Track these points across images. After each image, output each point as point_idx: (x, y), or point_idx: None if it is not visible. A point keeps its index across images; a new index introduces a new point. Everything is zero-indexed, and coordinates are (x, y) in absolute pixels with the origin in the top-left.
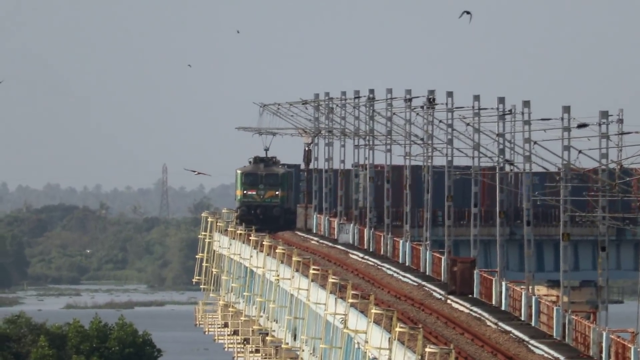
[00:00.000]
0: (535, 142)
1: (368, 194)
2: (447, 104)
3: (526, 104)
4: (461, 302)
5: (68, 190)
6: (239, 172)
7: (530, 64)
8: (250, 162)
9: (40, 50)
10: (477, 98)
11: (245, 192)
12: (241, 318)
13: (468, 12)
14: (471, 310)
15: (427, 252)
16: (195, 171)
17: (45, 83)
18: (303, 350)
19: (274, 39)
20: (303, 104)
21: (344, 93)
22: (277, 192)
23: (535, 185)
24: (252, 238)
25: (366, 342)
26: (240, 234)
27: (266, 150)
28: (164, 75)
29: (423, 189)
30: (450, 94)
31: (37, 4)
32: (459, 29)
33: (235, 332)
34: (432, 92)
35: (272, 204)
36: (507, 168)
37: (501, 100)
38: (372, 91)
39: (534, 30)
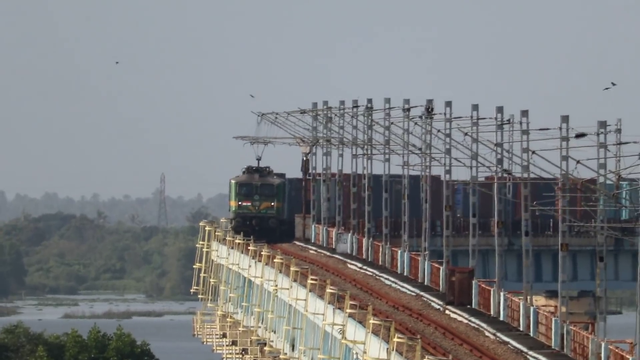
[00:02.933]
0: (533, 152)
1: (367, 204)
2: (445, 113)
3: (524, 113)
4: (459, 312)
5: (66, 199)
6: (233, 182)
7: (529, 73)
8: (243, 172)
9: (37, 58)
10: (475, 107)
11: (240, 203)
12: (239, 328)
13: (614, 84)
14: (470, 320)
15: (426, 262)
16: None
17: (44, 91)
18: None
19: (272, 48)
20: (301, 113)
21: (342, 102)
22: (272, 203)
23: (535, 195)
24: (250, 248)
25: (364, 352)
26: (239, 243)
27: (258, 159)
28: (162, 84)
29: (421, 199)
30: (448, 104)
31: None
32: (458, 38)
33: (234, 343)
34: (430, 101)
35: (268, 215)
36: (506, 178)
37: (499, 109)
38: (370, 101)
39: (532, 40)
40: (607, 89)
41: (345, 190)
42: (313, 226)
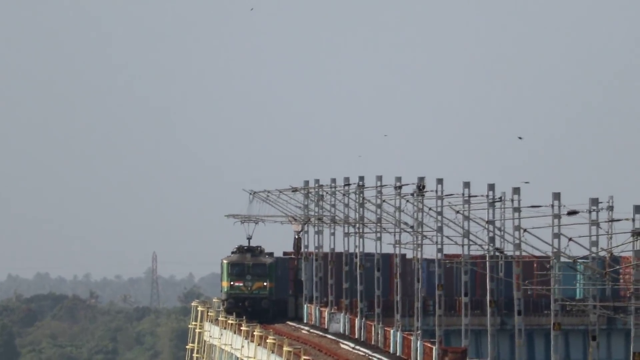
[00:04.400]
0: (525, 230)
1: (359, 283)
2: (436, 191)
3: (516, 190)
4: None
5: (58, 279)
6: (224, 262)
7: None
8: (233, 252)
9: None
10: (467, 185)
11: (232, 283)
12: None
13: (520, 138)
14: None
15: (418, 342)
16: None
17: (33, 169)
18: None
19: (264, 127)
20: (293, 191)
21: (333, 180)
22: (265, 283)
23: (527, 273)
24: (243, 328)
25: None
26: (232, 323)
27: (249, 238)
28: (153, 162)
29: (413, 278)
30: (440, 181)
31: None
32: (449, 116)
33: None
34: (421, 179)
35: (261, 295)
36: (498, 256)
37: (491, 187)
38: (362, 178)
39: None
40: (520, 138)
41: (337, 269)
42: (305, 306)
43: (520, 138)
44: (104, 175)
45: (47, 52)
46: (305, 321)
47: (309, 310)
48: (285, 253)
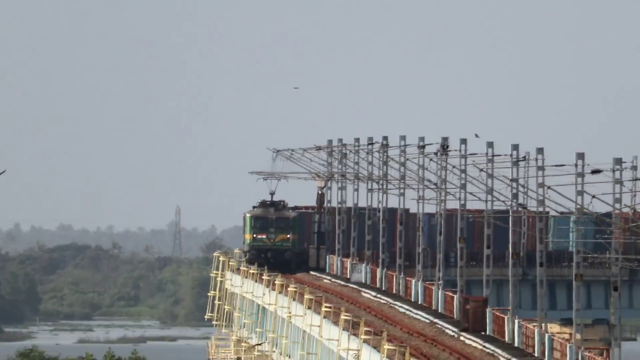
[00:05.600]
0: (548, 187)
1: (381, 236)
2: (460, 150)
3: (540, 150)
4: (474, 338)
5: (81, 231)
6: (248, 215)
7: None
8: (254, 207)
9: (50, 87)
10: (490, 145)
11: (255, 235)
12: (254, 353)
13: (477, 136)
14: (484, 346)
15: (440, 291)
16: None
17: (57, 123)
18: None
19: (289, 86)
20: (316, 149)
21: (357, 139)
22: (288, 236)
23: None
24: (264, 277)
25: None
26: (253, 273)
27: (272, 194)
28: (179, 118)
29: (436, 232)
30: (463, 141)
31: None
32: (474, 76)
33: None
34: (445, 139)
35: (284, 247)
36: (520, 211)
37: (515, 147)
38: (385, 138)
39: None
40: (476, 135)
41: (359, 223)
42: (327, 257)
43: (477, 136)
44: (129, 127)
45: None
46: (327, 271)
47: (331, 261)
48: (305, 208)
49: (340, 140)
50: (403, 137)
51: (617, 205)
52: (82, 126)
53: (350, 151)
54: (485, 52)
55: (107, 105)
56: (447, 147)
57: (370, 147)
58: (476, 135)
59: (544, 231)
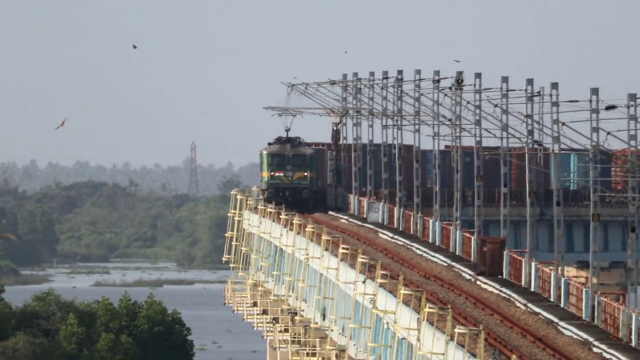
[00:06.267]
0: (563, 124)
1: (397, 174)
2: (475, 85)
3: (554, 85)
4: (490, 282)
5: (97, 168)
6: (264, 152)
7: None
8: (269, 144)
9: (68, 32)
10: (505, 79)
11: (272, 173)
12: (270, 297)
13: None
14: (500, 291)
15: (457, 232)
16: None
17: (75, 61)
18: (332, 330)
19: (303, 21)
20: (331, 84)
21: (372, 74)
22: (305, 174)
23: (565, 165)
24: (282, 217)
25: (395, 322)
26: (270, 212)
27: (287, 130)
28: (192, 55)
29: (452, 169)
30: (478, 75)
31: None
32: (489, 10)
33: (265, 312)
34: (460, 73)
35: (301, 185)
36: (536, 149)
37: (529, 81)
38: (400, 72)
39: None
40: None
41: (375, 160)
42: (344, 195)
43: (457, 61)
44: (143, 65)
45: None
46: (351, 212)
47: (349, 200)
48: (321, 144)
49: (355, 74)
50: (418, 72)
51: (633, 142)
52: (98, 63)
53: (365, 86)
54: None
55: (122, 43)
56: (462, 81)
57: (384, 81)
58: (456, 61)
59: (559, 170)
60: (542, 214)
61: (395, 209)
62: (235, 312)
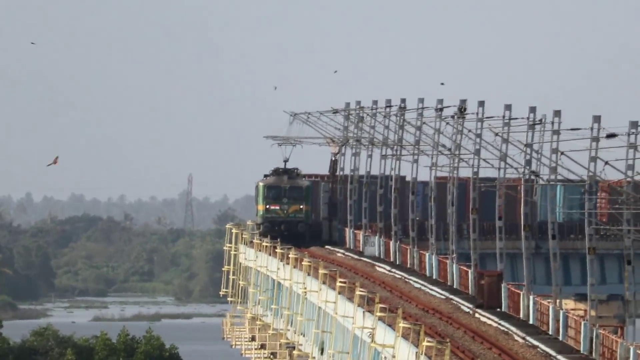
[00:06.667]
0: (562, 153)
1: (392, 206)
2: (477, 113)
3: (557, 113)
4: (489, 315)
5: (92, 201)
6: (260, 184)
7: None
8: (266, 176)
9: (66, 60)
10: (508, 107)
11: (267, 206)
12: (269, 331)
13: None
14: (499, 324)
15: (454, 265)
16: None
17: (66, 95)
18: None
19: (306, 49)
20: (334, 112)
21: (375, 102)
22: (301, 207)
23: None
24: (277, 250)
25: (393, 356)
26: (266, 246)
27: (285, 161)
28: (190, 83)
29: (447, 202)
30: (481, 104)
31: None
32: (493, 39)
33: (263, 346)
34: (463, 101)
35: (297, 219)
36: (534, 179)
37: (532, 109)
38: (403, 100)
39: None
40: (442, 84)
41: (371, 192)
42: (339, 230)
43: (442, 84)
44: (139, 96)
45: None
46: (347, 245)
47: (344, 233)
48: (314, 176)
49: (358, 102)
50: (421, 100)
51: (630, 173)
52: (89, 92)
53: (367, 114)
54: (504, 14)
55: (118, 75)
56: (465, 109)
57: (387, 109)
58: (442, 84)
59: (559, 201)
60: (538, 247)
61: (392, 243)
62: (234, 347)
